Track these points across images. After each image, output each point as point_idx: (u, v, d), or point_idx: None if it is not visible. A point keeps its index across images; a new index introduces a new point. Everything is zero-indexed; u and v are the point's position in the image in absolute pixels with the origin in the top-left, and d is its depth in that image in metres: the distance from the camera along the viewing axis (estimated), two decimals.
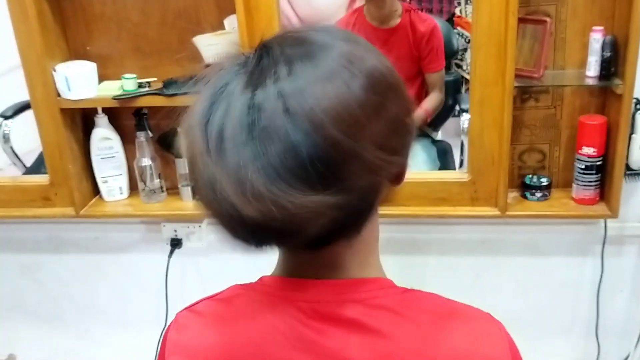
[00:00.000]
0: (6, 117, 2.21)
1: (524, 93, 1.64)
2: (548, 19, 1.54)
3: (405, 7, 2.17)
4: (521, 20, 1.51)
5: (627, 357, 1.89)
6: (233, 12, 1.55)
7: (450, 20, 2.96)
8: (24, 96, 1.97)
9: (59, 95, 1.67)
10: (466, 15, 3.00)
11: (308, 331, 0.65)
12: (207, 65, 1.68)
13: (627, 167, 1.62)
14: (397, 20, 2.15)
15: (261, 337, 0.66)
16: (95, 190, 1.84)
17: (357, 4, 2.38)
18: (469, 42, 2.66)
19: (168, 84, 1.66)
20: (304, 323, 0.65)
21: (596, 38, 1.52)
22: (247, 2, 1.53)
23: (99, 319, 2.12)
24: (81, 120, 1.78)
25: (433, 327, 0.65)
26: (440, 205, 1.68)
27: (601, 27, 1.51)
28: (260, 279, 0.71)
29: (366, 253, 0.70)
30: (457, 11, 3.09)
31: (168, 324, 2.05)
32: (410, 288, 0.69)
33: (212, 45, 1.61)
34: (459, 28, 2.93)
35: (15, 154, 2.26)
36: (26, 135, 2.30)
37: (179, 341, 0.72)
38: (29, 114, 2.09)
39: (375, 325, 0.64)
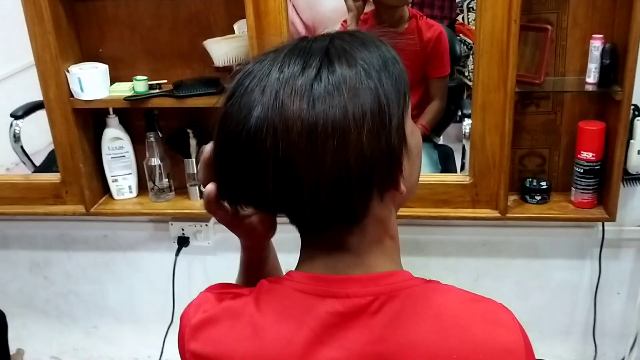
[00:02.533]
0: (17, 117, 2.25)
1: (525, 98, 1.68)
2: (549, 27, 1.58)
3: (412, 13, 2.21)
4: (523, 28, 1.54)
5: (623, 359, 1.92)
6: (243, 16, 1.59)
7: (452, 26, 2.99)
8: (33, 97, 2.01)
9: (71, 95, 1.71)
10: (468, 23, 3.03)
11: (337, 325, 0.67)
12: (217, 68, 1.72)
13: (625, 172, 1.65)
14: (405, 26, 2.19)
15: (291, 333, 0.68)
16: (105, 189, 1.88)
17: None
18: (470, 49, 2.69)
19: (178, 85, 1.70)
20: (333, 317, 0.68)
21: (596, 45, 1.55)
22: (257, 7, 1.57)
23: (106, 316, 2.15)
24: (92, 120, 1.82)
25: (454, 317, 0.68)
26: (442, 207, 1.72)
27: (601, 35, 1.55)
28: (288, 273, 0.73)
29: (383, 247, 0.73)
30: (459, 18, 3.12)
31: (175, 321, 2.07)
32: (429, 279, 0.72)
33: (222, 49, 1.65)
34: (461, 35, 2.96)
35: (26, 153, 2.30)
36: (34, 136, 2.34)
37: (206, 333, 0.73)
38: (37, 115, 2.14)
39: (400, 316, 0.67)
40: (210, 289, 0.78)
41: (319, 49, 0.67)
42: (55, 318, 2.19)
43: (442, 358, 0.66)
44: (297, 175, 0.63)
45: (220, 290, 0.77)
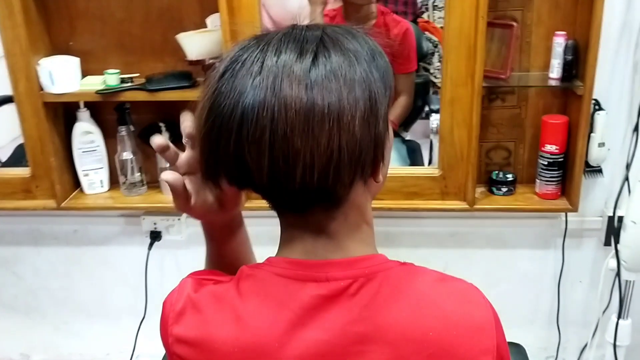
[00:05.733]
0: None
1: (492, 93, 1.73)
2: (515, 24, 1.63)
3: (380, 10, 2.24)
4: (490, 25, 1.58)
5: (586, 345, 1.99)
6: (215, 11, 1.60)
7: (415, 22, 3.04)
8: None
9: (42, 89, 1.69)
10: (434, 21, 3.08)
11: (317, 308, 0.70)
12: (191, 62, 1.72)
13: (587, 164, 1.71)
14: (372, 22, 2.22)
15: (273, 316, 0.70)
16: (76, 184, 1.86)
17: (329, 7, 2.45)
18: (436, 46, 2.74)
19: (150, 79, 1.70)
20: (314, 300, 0.70)
21: (559, 42, 1.61)
22: (230, 1, 1.58)
23: (77, 312, 2.13)
24: (63, 114, 1.80)
25: (428, 297, 0.71)
26: (412, 199, 1.76)
27: (564, 32, 1.60)
28: (268, 260, 0.75)
29: (360, 233, 0.75)
30: (425, 16, 3.17)
31: (147, 316, 2.05)
32: (404, 262, 0.75)
33: (195, 43, 1.66)
34: (426, 33, 3.01)
35: None
36: None
37: (189, 318, 0.75)
38: (1, 110, 2.10)
39: (378, 297, 0.70)
40: (192, 275, 0.80)
41: (314, 37, 0.69)
42: (24, 314, 2.16)
43: (418, 335, 0.69)
44: (293, 152, 0.65)
45: (202, 277, 0.79)
